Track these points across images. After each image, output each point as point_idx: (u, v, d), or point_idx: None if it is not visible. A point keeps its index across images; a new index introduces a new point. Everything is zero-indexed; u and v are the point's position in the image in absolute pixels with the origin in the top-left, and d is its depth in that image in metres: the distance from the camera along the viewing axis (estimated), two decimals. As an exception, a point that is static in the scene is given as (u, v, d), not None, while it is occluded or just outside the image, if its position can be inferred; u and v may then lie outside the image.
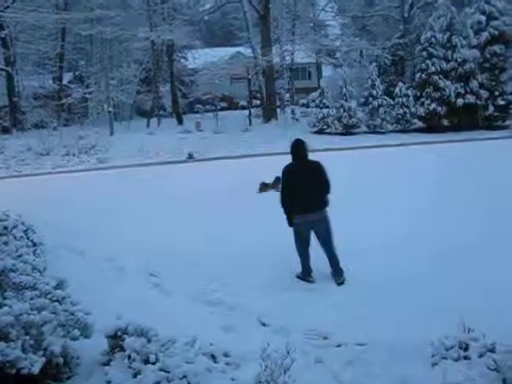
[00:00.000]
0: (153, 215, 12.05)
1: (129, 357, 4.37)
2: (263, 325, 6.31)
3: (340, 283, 7.46)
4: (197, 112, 44.39)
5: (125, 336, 4.51)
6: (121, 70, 37.86)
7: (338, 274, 7.56)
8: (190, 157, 25.17)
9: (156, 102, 38.84)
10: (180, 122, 37.43)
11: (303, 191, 7.41)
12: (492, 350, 4.56)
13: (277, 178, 12.33)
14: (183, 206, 12.89)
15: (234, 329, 6.13)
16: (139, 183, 17.48)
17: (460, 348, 4.66)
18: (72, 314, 4.72)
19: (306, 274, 7.72)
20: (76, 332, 4.64)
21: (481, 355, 4.55)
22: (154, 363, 4.38)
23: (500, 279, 6.99)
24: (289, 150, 7.75)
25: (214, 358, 5.01)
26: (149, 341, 4.60)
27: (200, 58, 40.45)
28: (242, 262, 8.32)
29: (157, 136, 31.38)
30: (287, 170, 7.65)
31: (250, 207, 11.85)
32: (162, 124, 36.78)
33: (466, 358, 4.57)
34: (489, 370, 4.39)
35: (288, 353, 4.53)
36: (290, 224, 7.63)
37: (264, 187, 13.96)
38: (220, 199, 13.24)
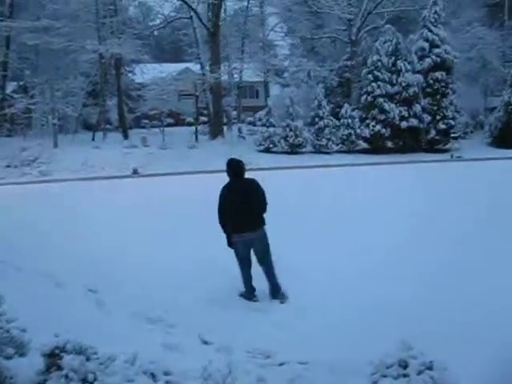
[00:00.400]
0: (96, 230, 11.81)
1: (66, 376, 4.23)
2: (205, 343, 6.25)
3: (282, 302, 7.47)
4: (143, 127, 44.01)
5: (62, 354, 4.36)
6: (67, 81, 37.22)
7: (276, 292, 7.58)
8: (135, 172, 24.92)
9: (102, 115, 38.33)
10: (126, 136, 37.04)
11: (240, 210, 7.40)
12: (430, 368, 4.62)
13: None
14: (128, 220, 12.71)
15: (175, 347, 6.02)
16: (83, 197, 17.15)
17: (399, 366, 4.70)
18: (7, 332, 4.54)
19: (248, 293, 7.70)
20: (10, 350, 4.47)
21: (419, 372, 4.59)
22: (92, 382, 4.26)
23: (437, 295, 7.17)
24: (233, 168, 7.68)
25: (154, 376, 4.90)
26: (88, 359, 4.46)
27: (148, 72, 40.18)
28: (186, 278, 8.25)
29: (102, 150, 30.94)
30: (224, 190, 7.62)
31: (197, 223, 11.73)
32: (108, 138, 36.30)
33: (405, 375, 4.61)
34: (426, 387, 4.47)
35: (230, 371, 4.48)
36: (229, 244, 7.63)
37: None
38: (165, 214, 13.12)
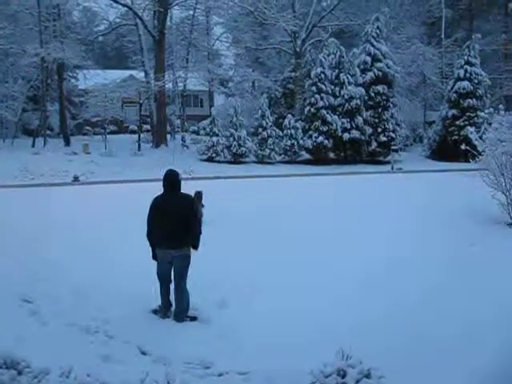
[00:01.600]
0: (32, 239, 11.47)
1: (-4, 391, 4.10)
2: (143, 354, 6.16)
3: (176, 320, 7.30)
4: (85, 134, 43.34)
5: (-8, 368, 4.23)
6: (6, 85, 36.30)
7: (179, 314, 7.35)
8: (76, 179, 24.47)
9: (43, 121, 37.48)
10: (67, 143, 36.37)
11: (168, 225, 7.11)
12: (368, 376, 4.70)
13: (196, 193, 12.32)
14: (66, 229, 12.42)
15: (113, 358, 5.92)
16: (20, 205, 16.69)
17: (338, 375, 4.75)
18: None
19: (163, 308, 7.47)
20: None
21: (357, 381, 4.67)
22: (24, 397, 4.14)
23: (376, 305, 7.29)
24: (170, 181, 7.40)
25: (90, 389, 4.80)
26: (19, 373, 4.33)
27: (92, 78, 39.64)
28: (125, 288, 8.10)
29: (42, 156, 30.28)
30: (156, 202, 7.33)
31: (136, 233, 11.55)
32: (49, 144, 35.53)
33: (343, 384, 4.69)
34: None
35: (168, 383, 4.44)
36: (154, 257, 7.39)
37: None
38: (105, 223, 12.91)
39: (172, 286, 7.45)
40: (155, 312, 7.49)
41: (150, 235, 7.28)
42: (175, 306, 7.44)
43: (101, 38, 49.13)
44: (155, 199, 7.36)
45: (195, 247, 7.43)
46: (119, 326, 6.81)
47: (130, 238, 11.00)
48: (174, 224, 7.09)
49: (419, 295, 7.67)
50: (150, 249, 7.37)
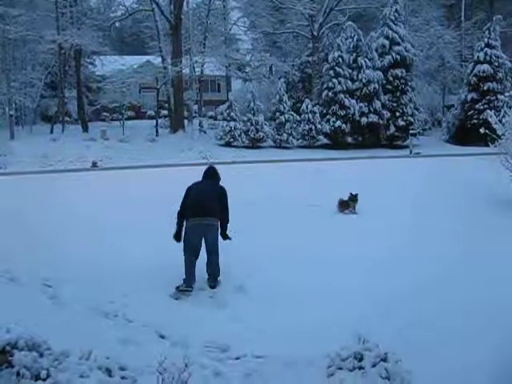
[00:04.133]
0: (53, 224, 11.57)
1: (17, 373, 4.14)
2: (162, 337, 6.23)
3: (212, 287, 7.84)
4: (103, 120, 43.49)
5: (14, 351, 4.27)
6: (24, 72, 36.48)
7: (213, 280, 7.90)
8: (94, 165, 24.62)
9: (61, 107, 37.67)
10: (85, 129, 36.52)
11: (203, 200, 7.84)
12: (384, 360, 4.70)
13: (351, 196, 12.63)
14: (86, 213, 12.48)
15: (131, 341, 5.99)
16: (40, 190, 16.83)
17: (355, 358, 4.76)
18: (-44, 327, 4.43)
19: (187, 282, 7.70)
20: (-41, 347, 4.35)
21: (374, 365, 4.66)
22: (44, 379, 4.17)
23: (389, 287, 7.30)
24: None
25: (109, 371, 4.85)
26: (41, 355, 4.37)
27: (109, 64, 39.74)
28: (144, 273, 8.17)
29: (60, 142, 30.47)
30: (192, 184, 8.19)
31: (156, 217, 11.58)
32: (67, 131, 35.77)
33: (360, 367, 4.68)
34: (381, 378, 4.53)
35: (186, 366, 4.46)
36: (177, 236, 7.98)
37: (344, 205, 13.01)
38: (123, 207, 12.95)
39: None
40: (177, 288, 7.66)
41: (181, 213, 7.97)
42: (209, 274, 7.92)
43: (118, 24, 49.03)
44: (193, 183, 8.24)
45: (224, 233, 8.06)
46: (138, 309, 6.88)
47: (151, 223, 11.07)
48: (207, 201, 7.84)
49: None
50: (176, 227, 7.99)
